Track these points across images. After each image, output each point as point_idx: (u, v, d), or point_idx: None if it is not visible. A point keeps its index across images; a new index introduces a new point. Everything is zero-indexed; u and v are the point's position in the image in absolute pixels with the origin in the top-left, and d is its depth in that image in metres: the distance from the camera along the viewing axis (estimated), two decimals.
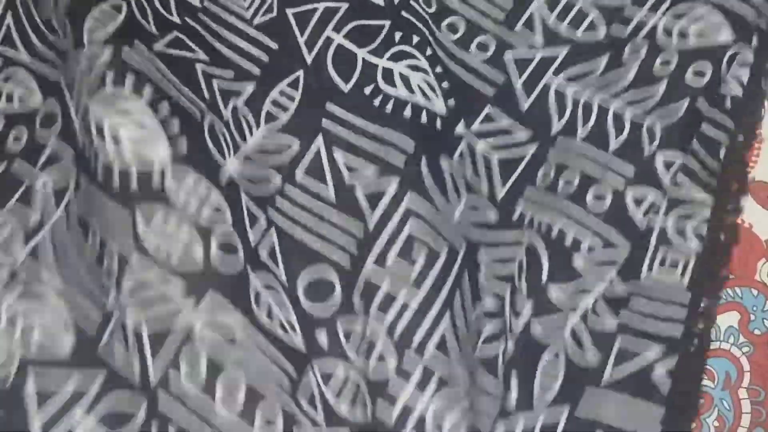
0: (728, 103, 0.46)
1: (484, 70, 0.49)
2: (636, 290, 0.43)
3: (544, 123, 0.48)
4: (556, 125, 0.47)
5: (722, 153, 0.45)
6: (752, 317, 0.48)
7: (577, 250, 0.44)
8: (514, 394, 0.43)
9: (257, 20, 0.48)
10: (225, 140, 0.46)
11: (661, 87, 0.46)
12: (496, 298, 0.45)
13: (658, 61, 0.47)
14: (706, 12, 0.46)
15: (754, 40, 0.46)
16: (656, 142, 0.45)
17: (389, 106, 0.47)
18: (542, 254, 0.45)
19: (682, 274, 0.43)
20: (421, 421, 0.42)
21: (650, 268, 0.43)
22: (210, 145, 0.46)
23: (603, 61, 0.48)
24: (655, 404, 0.41)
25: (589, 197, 0.45)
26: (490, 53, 0.49)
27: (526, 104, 0.48)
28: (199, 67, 0.47)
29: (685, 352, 0.41)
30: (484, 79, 0.49)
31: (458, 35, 0.49)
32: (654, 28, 0.47)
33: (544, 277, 0.44)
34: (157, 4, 0.48)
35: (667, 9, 0.47)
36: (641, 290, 0.43)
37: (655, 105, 0.46)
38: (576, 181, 0.46)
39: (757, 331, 0.48)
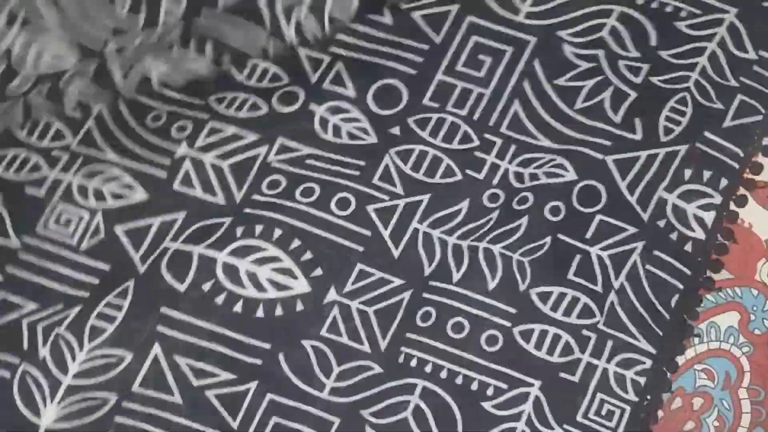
0: None
1: (350, 225, 0.47)
2: None
3: (416, 268, 0.46)
4: (428, 269, 0.47)
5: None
6: (752, 317, 0.48)
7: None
8: None
9: (84, 245, 0.46)
10: (39, 388, 0.44)
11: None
12: None
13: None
14: None
15: None
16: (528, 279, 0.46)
17: (238, 307, 0.45)
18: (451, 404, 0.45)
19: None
20: None
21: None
22: (19, 402, 0.44)
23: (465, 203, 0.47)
24: None
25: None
26: (350, 210, 0.47)
27: (396, 253, 0.47)
28: (24, 322, 0.45)
29: None
30: (352, 236, 0.47)
31: (314, 197, 0.46)
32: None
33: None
34: None
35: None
36: None
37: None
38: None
39: (757, 331, 0.48)
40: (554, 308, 0.46)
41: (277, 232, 0.45)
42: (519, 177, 0.47)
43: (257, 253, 0.45)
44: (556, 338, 0.46)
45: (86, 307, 0.44)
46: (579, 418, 0.45)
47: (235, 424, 0.44)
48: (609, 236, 0.47)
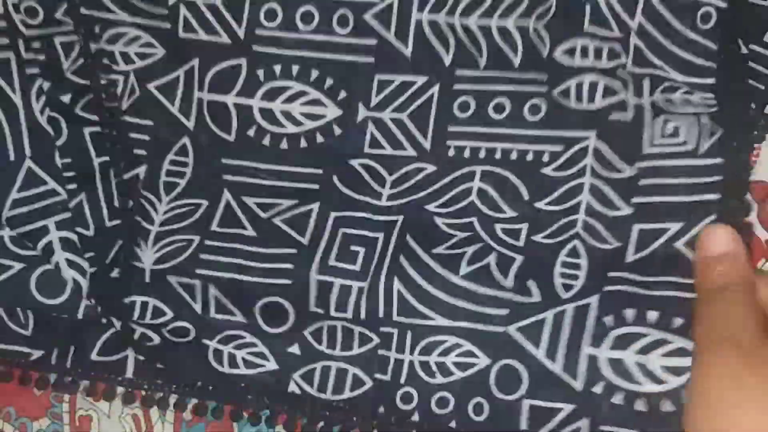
0: None
1: (354, 41, 0.47)
2: None
3: (435, 61, 0.47)
4: (447, 59, 0.47)
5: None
6: None
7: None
8: None
9: (125, 104, 0.48)
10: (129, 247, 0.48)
11: None
12: None
13: None
14: None
15: None
16: None
17: (284, 144, 0.48)
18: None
19: None
20: None
21: None
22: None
23: None
24: None
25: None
26: (349, 26, 0.47)
27: (408, 52, 0.47)
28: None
29: None
30: (358, 50, 0.47)
31: (315, 22, 0.47)
32: None
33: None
34: None
35: None
36: None
37: None
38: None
39: None
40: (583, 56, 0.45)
41: (295, 68, 0.47)
42: (426, 368, 0.46)
43: (286, 92, 0.47)
44: (593, 85, 0.45)
45: (151, 163, 0.48)
46: (645, 150, 0.44)
47: (305, 240, 0.47)
48: (544, 422, 0.45)
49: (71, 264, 0.47)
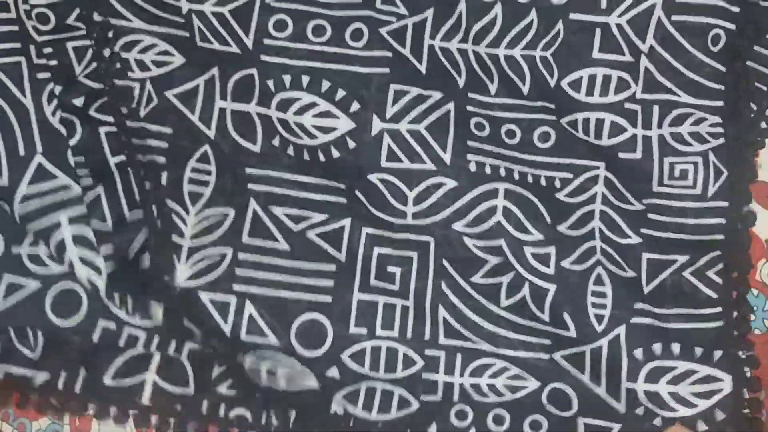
0: None
1: (368, 54, 0.47)
2: None
3: (449, 82, 0.47)
4: (461, 82, 0.47)
5: None
6: (752, 317, 0.49)
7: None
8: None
9: (143, 111, 0.47)
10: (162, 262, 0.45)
11: None
12: None
13: None
14: None
15: None
16: None
17: (306, 155, 0.47)
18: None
19: None
20: None
21: None
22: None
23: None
24: None
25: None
26: (364, 40, 0.47)
27: (423, 68, 0.47)
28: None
29: None
30: (373, 62, 0.47)
31: (327, 35, 0.47)
32: None
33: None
34: None
35: None
36: None
37: None
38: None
39: (757, 331, 0.49)
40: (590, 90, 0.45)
41: (305, 79, 0.46)
42: (477, 389, 0.46)
43: (296, 103, 0.46)
44: (600, 122, 0.45)
45: (171, 171, 0.46)
46: (654, 188, 0.45)
47: (342, 257, 0.46)
48: None
49: (85, 262, 0.44)
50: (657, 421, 0.45)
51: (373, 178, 0.46)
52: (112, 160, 0.46)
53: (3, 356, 0.45)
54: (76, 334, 0.45)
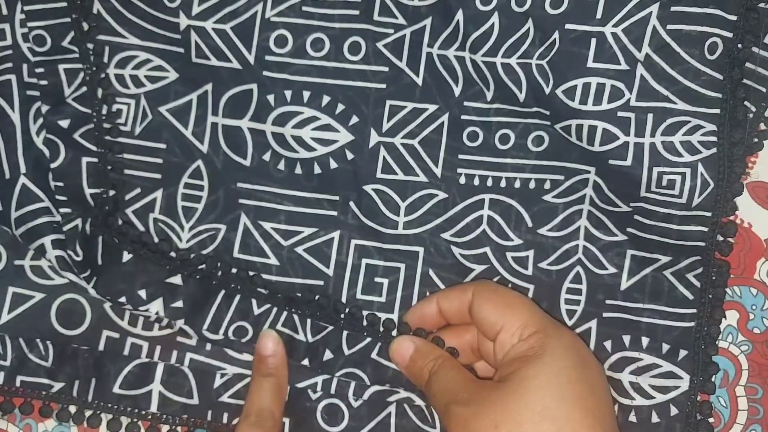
0: None
1: (365, 68, 0.48)
2: None
3: (445, 91, 0.47)
4: (457, 90, 0.47)
5: None
6: (751, 316, 0.48)
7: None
8: None
9: (137, 128, 0.48)
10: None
11: None
12: None
13: None
14: None
15: None
16: None
17: (298, 169, 0.47)
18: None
19: None
20: None
21: None
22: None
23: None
24: None
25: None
26: (361, 54, 0.47)
27: (419, 80, 0.47)
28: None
29: None
30: (370, 77, 0.47)
31: (326, 50, 0.47)
32: None
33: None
34: None
35: None
36: None
37: None
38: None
39: (756, 330, 0.48)
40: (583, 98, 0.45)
41: (306, 94, 0.47)
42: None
43: (296, 117, 0.47)
44: (592, 129, 0.45)
45: (166, 187, 0.48)
46: (642, 193, 0.45)
47: (330, 271, 0.48)
48: None
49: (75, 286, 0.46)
50: (614, 409, 0.46)
51: (369, 188, 0.48)
52: (88, 191, 0.47)
53: (17, 366, 0.47)
54: (82, 343, 0.47)
